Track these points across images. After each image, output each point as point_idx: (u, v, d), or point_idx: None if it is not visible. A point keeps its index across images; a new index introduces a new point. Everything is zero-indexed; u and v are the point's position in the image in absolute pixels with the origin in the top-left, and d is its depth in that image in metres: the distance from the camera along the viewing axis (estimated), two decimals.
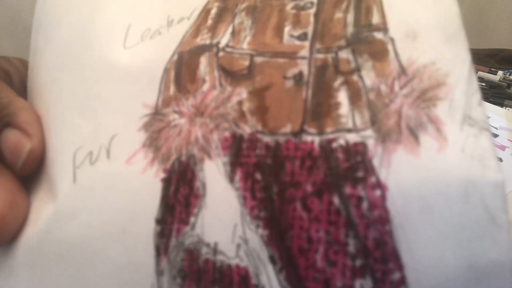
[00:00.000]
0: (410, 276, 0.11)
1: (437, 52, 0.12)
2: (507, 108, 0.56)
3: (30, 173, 0.15)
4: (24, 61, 0.20)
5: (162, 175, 0.13)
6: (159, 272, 0.12)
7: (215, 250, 0.12)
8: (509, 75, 0.62)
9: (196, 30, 0.15)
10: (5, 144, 0.15)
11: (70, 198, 0.14)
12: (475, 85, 0.12)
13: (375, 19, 0.14)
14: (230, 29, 0.15)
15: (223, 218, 0.12)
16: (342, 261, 0.11)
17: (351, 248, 0.11)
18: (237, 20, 0.15)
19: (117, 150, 0.14)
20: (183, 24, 0.16)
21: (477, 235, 0.10)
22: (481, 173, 0.10)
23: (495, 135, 0.49)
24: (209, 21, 0.15)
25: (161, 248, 0.12)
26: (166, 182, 0.13)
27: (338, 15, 0.14)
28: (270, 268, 0.11)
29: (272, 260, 0.11)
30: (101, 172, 0.14)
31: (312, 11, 0.15)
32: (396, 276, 0.11)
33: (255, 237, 0.12)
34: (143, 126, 0.14)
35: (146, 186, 0.13)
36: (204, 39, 0.15)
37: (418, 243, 0.10)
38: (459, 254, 0.10)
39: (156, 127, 0.14)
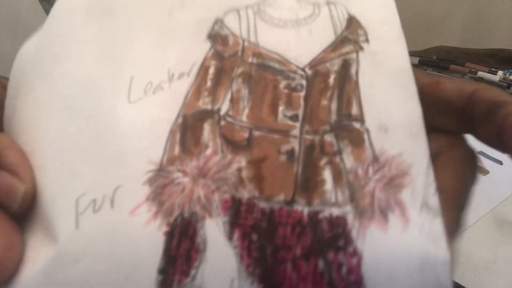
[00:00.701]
0: None
1: (403, 146, 0.15)
2: None
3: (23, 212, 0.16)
4: (1, 80, 0.20)
5: (165, 228, 0.14)
6: None
7: None
8: (509, 75, 0.64)
9: (197, 91, 0.17)
10: None
11: (72, 243, 0.14)
12: (432, 177, 0.15)
13: (354, 110, 0.17)
14: (229, 96, 0.17)
15: (222, 272, 0.14)
16: None
17: None
18: (234, 87, 0.17)
19: (121, 201, 0.15)
20: (183, 81, 0.17)
21: None
22: (434, 251, 0.13)
23: None
24: (208, 82, 0.17)
25: None
26: (169, 235, 0.14)
27: (324, 102, 0.17)
28: None
29: None
30: (105, 221, 0.15)
31: (302, 94, 0.17)
32: None
33: None
34: (148, 180, 0.15)
35: (149, 238, 0.14)
36: (205, 103, 0.17)
37: None
38: None
39: (160, 182, 0.15)
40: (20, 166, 0.16)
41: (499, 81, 0.65)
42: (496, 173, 0.45)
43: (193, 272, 0.14)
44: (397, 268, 0.13)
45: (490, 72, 0.67)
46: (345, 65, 0.18)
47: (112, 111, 0.17)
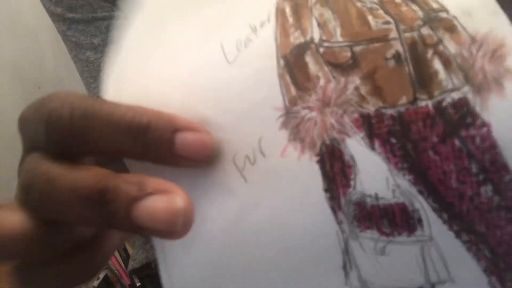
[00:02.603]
0: None
1: (490, 23, 0.17)
2: None
3: None
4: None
5: (315, 158, 0.17)
6: (339, 222, 0.17)
7: (377, 198, 0.17)
8: None
9: (284, 30, 0.18)
10: (157, 213, 0.15)
11: (247, 194, 0.18)
12: None
13: (434, 5, 0.17)
14: (314, 22, 0.18)
15: (376, 175, 0.17)
16: (469, 179, 0.16)
17: (474, 170, 0.16)
18: (316, 13, 0.18)
19: (269, 149, 0.18)
20: (266, 27, 0.19)
21: None
22: None
23: None
24: (290, 19, 0.18)
25: (335, 207, 0.17)
26: (321, 162, 0.17)
27: (404, 8, 0.18)
28: (420, 198, 0.17)
29: (421, 192, 0.17)
30: (264, 168, 0.18)
31: (381, 12, 0.18)
32: (507, 177, 0.16)
33: (404, 181, 0.17)
34: (282, 125, 0.18)
35: (306, 169, 0.17)
36: (296, 37, 0.18)
37: None
38: None
39: (293, 123, 0.18)
40: (164, 184, 0.16)
41: None
42: None
43: (352, 183, 0.17)
44: None
45: None
46: None
47: (218, 78, 0.19)
